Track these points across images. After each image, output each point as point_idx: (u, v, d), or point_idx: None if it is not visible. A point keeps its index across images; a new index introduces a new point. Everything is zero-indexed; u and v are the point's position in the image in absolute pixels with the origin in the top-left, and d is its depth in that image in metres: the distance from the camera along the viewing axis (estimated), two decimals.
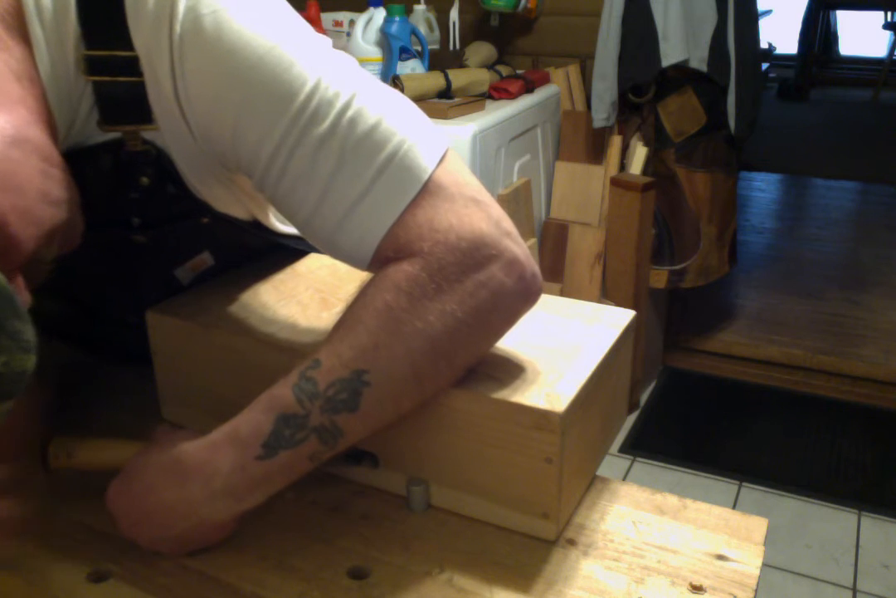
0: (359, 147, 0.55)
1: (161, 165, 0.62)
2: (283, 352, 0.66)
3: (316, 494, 0.67)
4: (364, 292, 0.56)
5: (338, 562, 0.60)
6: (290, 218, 0.60)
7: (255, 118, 0.55)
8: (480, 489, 0.62)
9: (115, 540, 0.62)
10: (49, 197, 0.51)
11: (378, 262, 0.57)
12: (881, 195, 4.16)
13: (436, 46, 2.15)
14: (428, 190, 0.55)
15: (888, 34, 5.91)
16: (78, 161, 0.56)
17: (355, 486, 0.68)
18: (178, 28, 0.55)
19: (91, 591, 0.58)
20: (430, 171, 0.55)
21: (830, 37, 6.43)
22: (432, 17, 2.16)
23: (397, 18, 1.92)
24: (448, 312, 0.54)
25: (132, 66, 0.57)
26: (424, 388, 0.57)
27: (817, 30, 5.92)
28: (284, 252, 0.82)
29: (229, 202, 0.68)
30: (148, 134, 0.61)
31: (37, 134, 0.52)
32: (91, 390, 0.81)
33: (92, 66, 0.57)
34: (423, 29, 2.08)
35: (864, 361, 2.46)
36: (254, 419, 0.57)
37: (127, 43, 0.56)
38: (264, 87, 0.54)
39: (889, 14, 5.95)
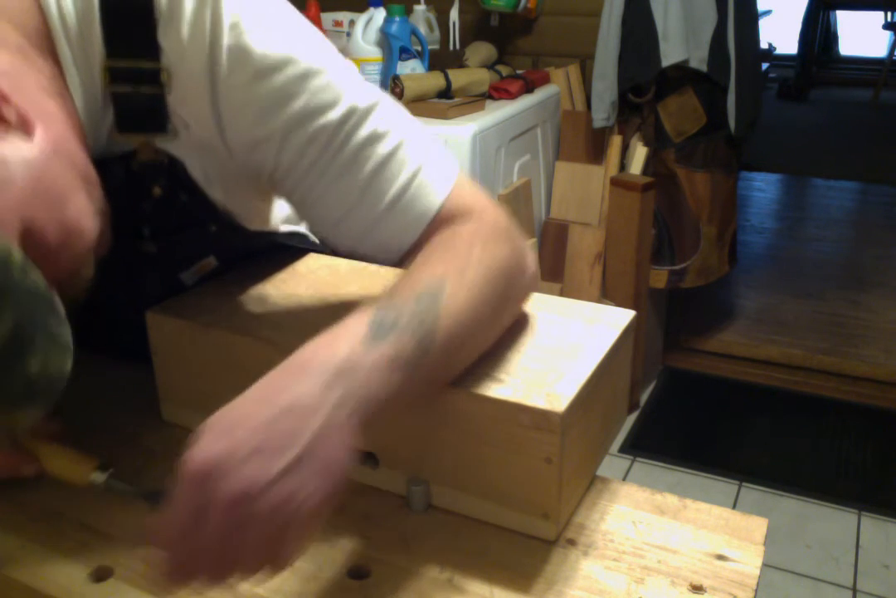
0: (398, 151, 0.61)
1: (174, 174, 0.63)
2: (283, 352, 0.65)
3: None
4: (421, 254, 0.60)
5: (338, 562, 0.60)
6: (319, 217, 0.64)
7: (301, 129, 0.58)
8: (480, 489, 0.62)
9: (116, 540, 0.62)
10: (86, 211, 0.52)
11: (418, 244, 0.62)
12: (881, 195, 4.16)
13: (436, 46, 2.15)
14: (461, 178, 0.64)
15: (888, 34, 5.91)
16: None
17: (355, 486, 0.68)
18: (224, 41, 0.56)
19: (91, 591, 0.58)
20: (457, 169, 0.64)
21: (830, 37, 6.43)
22: (432, 17, 2.16)
23: (397, 18, 1.92)
24: (499, 257, 0.60)
25: (154, 76, 0.58)
26: (491, 313, 0.59)
27: (817, 30, 5.91)
28: (284, 252, 0.82)
29: (245, 204, 0.69)
30: (162, 143, 0.62)
31: (74, 148, 0.53)
32: (91, 390, 0.81)
33: (114, 77, 0.58)
34: (423, 29, 2.08)
35: (864, 361, 2.46)
36: (344, 328, 0.52)
37: (152, 52, 0.57)
38: (311, 99, 0.58)
39: (889, 14, 5.95)
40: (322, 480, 0.46)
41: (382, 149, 0.60)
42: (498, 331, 0.63)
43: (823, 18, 6.05)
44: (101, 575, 0.59)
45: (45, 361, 0.45)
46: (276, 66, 0.57)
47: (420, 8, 2.12)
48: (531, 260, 0.64)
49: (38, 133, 0.49)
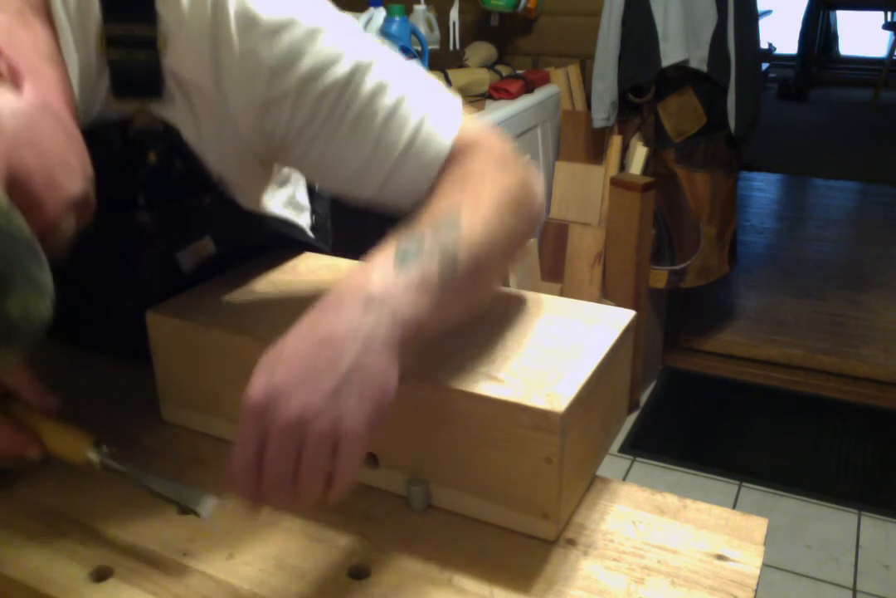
0: (409, 96, 0.63)
1: (170, 140, 0.65)
2: None
3: None
4: (436, 189, 0.63)
5: (338, 562, 0.60)
6: (337, 175, 0.66)
7: (312, 86, 0.61)
8: (480, 489, 0.62)
9: (116, 540, 0.62)
10: (70, 167, 0.53)
11: (435, 184, 0.64)
12: (881, 195, 4.16)
13: (436, 46, 2.15)
14: (464, 115, 0.67)
15: (888, 34, 5.91)
16: (88, 140, 0.57)
17: (355, 486, 0.68)
18: (230, 9, 0.58)
19: (91, 591, 0.58)
20: (460, 107, 0.67)
21: (830, 37, 6.43)
22: (432, 17, 2.16)
23: (397, 18, 1.92)
24: (509, 187, 0.63)
25: (150, 42, 0.60)
26: (507, 233, 0.61)
27: (817, 30, 5.91)
28: (284, 252, 0.82)
29: (239, 176, 0.70)
30: (158, 110, 0.63)
31: (62, 111, 0.54)
32: (91, 390, 0.81)
33: (110, 42, 0.59)
34: (423, 29, 2.08)
35: (864, 361, 2.46)
36: (374, 258, 0.55)
37: (149, 18, 0.59)
38: (318, 56, 0.60)
39: (889, 14, 5.95)
40: (367, 400, 0.50)
41: (390, 98, 0.63)
42: (511, 257, 0.65)
43: (823, 18, 6.05)
44: (101, 575, 0.59)
45: (24, 304, 0.45)
46: (283, 28, 0.59)
47: (420, 8, 2.12)
48: (538, 188, 0.67)
49: (28, 89, 0.51)
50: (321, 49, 0.61)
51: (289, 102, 0.62)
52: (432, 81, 0.67)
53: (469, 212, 0.58)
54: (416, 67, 0.66)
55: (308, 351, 0.51)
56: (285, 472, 0.49)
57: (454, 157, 0.64)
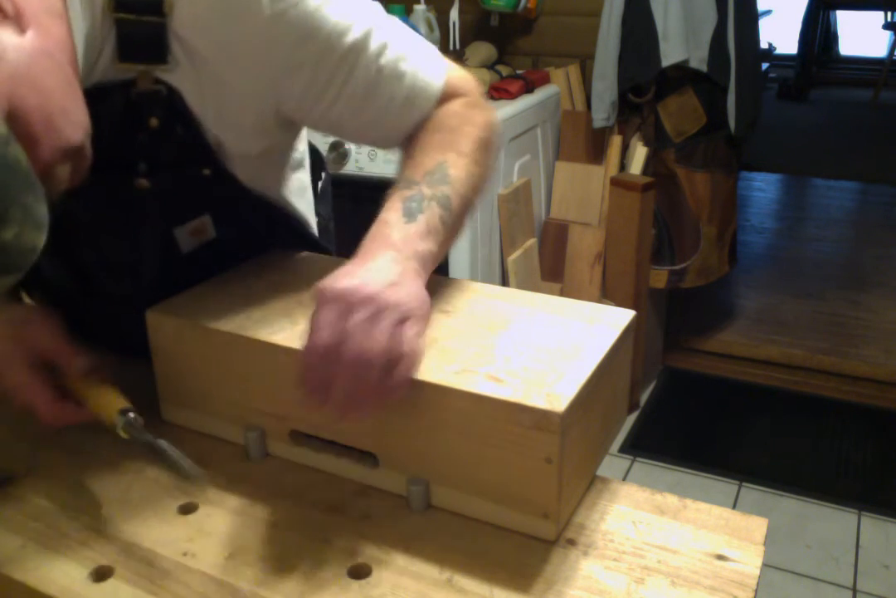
0: (410, 52, 0.72)
1: (172, 105, 0.66)
2: (283, 352, 0.66)
3: (316, 494, 0.67)
4: (423, 134, 0.74)
5: (338, 562, 0.60)
6: (355, 127, 0.75)
7: (332, 51, 0.66)
8: (480, 489, 0.62)
9: (116, 540, 0.62)
10: (69, 114, 0.54)
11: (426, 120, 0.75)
12: (881, 195, 4.16)
13: (436, 46, 2.15)
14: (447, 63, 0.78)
15: (888, 34, 5.91)
16: (91, 101, 0.58)
17: (355, 486, 0.68)
18: None
19: (91, 591, 0.58)
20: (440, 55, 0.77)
21: (830, 37, 6.43)
22: (432, 17, 2.16)
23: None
24: (481, 124, 0.75)
25: (157, 6, 0.61)
26: (482, 170, 0.73)
27: (817, 30, 5.91)
28: (284, 252, 0.82)
29: (239, 145, 0.72)
30: (162, 74, 0.64)
31: (63, 61, 0.55)
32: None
33: (118, 5, 0.61)
34: (423, 29, 2.08)
35: (864, 361, 2.46)
36: (385, 214, 0.67)
37: None
38: (335, 24, 0.66)
39: (889, 14, 5.95)
40: (419, 308, 0.61)
41: (391, 56, 0.70)
42: (486, 180, 0.77)
43: (823, 18, 6.05)
44: (101, 575, 0.59)
45: (19, 233, 0.46)
46: None
47: (420, 8, 2.12)
48: (496, 120, 0.79)
49: (31, 35, 0.52)
50: (339, 18, 0.65)
51: (309, 67, 0.66)
52: (415, 36, 0.75)
53: (454, 161, 0.70)
54: (400, 23, 0.74)
55: (367, 275, 0.60)
56: (357, 361, 0.56)
57: (443, 99, 0.75)
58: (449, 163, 0.70)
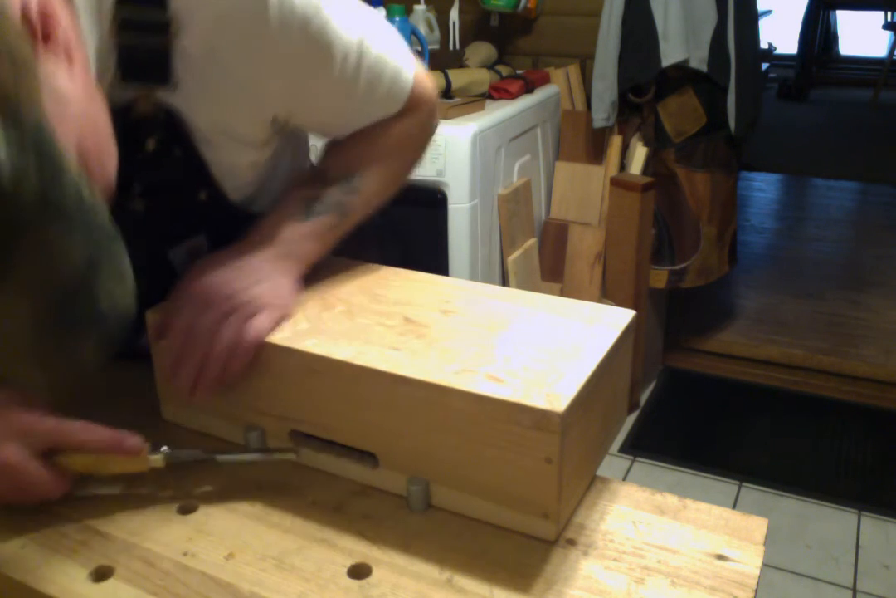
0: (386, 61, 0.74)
1: (170, 127, 0.65)
2: (282, 352, 0.66)
3: (316, 494, 0.67)
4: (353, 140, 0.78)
5: (338, 562, 0.60)
6: (339, 125, 0.77)
7: (335, 67, 0.69)
8: (480, 489, 0.62)
9: (115, 540, 0.62)
10: (111, 149, 0.54)
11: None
12: (881, 195, 4.16)
13: (436, 46, 2.15)
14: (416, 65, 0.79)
15: (888, 34, 5.91)
16: None
17: (355, 486, 0.68)
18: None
19: (91, 591, 0.58)
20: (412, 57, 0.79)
21: (830, 37, 6.43)
22: (432, 17, 2.16)
23: (397, 18, 1.92)
24: (425, 141, 0.82)
25: (162, 27, 0.60)
26: (397, 172, 0.80)
27: (817, 30, 5.91)
28: None
29: (235, 163, 0.73)
30: (162, 96, 0.64)
31: (95, 88, 0.54)
32: (91, 390, 0.81)
33: (122, 25, 0.60)
34: (423, 29, 2.08)
35: (864, 361, 2.46)
36: (285, 208, 0.73)
37: (162, 3, 0.59)
38: (340, 37, 0.68)
39: (889, 14, 5.95)
40: (276, 301, 0.68)
41: (378, 57, 0.72)
42: (409, 174, 0.82)
43: (823, 18, 6.05)
44: (101, 575, 0.59)
45: (111, 294, 0.46)
46: (316, 11, 0.65)
47: (420, 8, 2.12)
48: (436, 127, 0.83)
49: (77, 68, 0.51)
50: (343, 31, 0.67)
51: (311, 80, 0.68)
52: (396, 40, 0.76)
53: (373, 176, 0.76)
54: (386, 26, 0.76)
55: (233, 271, 0.68)
56: (211, 335, 0.65)
57: (401, 110, 0.77)
58: (367, 176, 0.76)
